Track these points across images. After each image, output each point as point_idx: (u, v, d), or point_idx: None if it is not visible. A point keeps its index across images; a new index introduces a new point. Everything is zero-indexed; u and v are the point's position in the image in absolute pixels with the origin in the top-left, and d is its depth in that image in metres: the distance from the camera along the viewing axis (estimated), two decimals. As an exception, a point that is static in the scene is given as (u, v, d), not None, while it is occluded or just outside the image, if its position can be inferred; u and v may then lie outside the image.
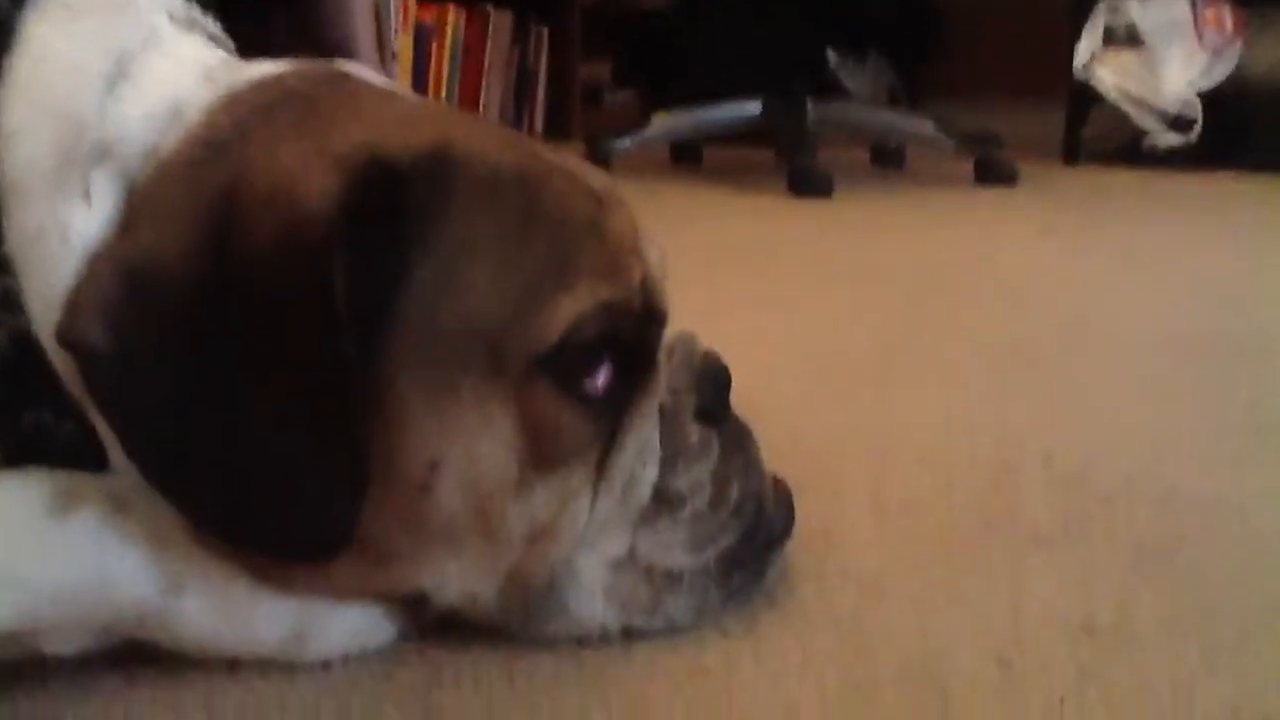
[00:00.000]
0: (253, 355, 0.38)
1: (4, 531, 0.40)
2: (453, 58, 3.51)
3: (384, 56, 2.79)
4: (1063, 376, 0.97)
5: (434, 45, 3.46)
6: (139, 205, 0.41)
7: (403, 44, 3.36)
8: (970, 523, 0.63)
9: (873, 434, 0.79)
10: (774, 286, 1.39)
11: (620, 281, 0.44)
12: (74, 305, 0.38)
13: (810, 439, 0.77)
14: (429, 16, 3.43)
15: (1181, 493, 0.68)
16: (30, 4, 0.44)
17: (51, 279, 0.41)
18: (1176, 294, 1.37)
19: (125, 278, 0.38)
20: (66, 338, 0.38)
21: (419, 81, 3.38)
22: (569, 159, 0.48)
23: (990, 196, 2.37)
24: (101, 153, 0.42)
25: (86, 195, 0.42)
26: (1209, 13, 2.94)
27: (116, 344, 0.38)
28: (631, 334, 0.45)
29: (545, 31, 3.72)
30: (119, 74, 0.44)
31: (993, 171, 2.52)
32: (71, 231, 0.41)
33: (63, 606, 0.41)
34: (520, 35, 3.67)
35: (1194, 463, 0.74)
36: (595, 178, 0.47)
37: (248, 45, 0.55)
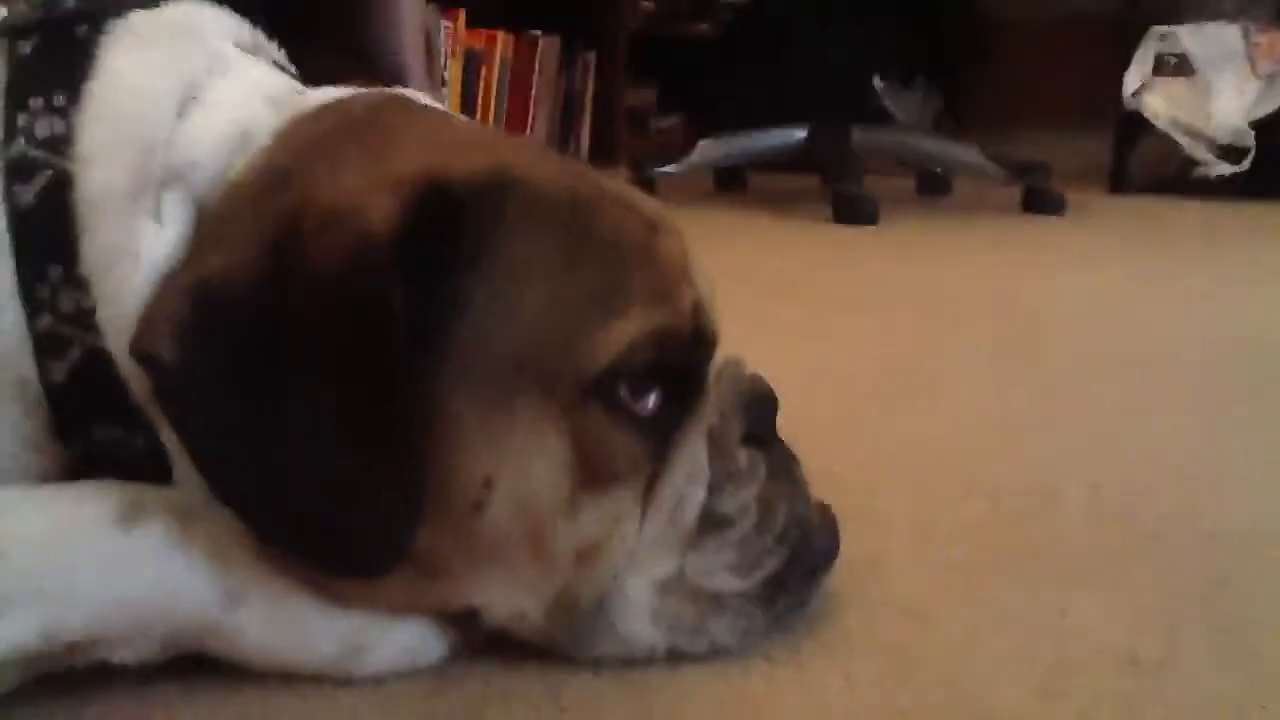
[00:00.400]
0: (313, 372, 0.39)
1: (75, 541, 0.42)
2: (501, 83, 3.55)
3: (434, 82, 2.83)
4: (1110, 405, 0.97)
5: (483, 71, 3.50)
6: (209, 228, 0.43)
7: (452, 69, 3.40)
8: (1015, 553, 0.63)
9: (917, 461, 0.79)
10: (818, 313, 1.39)
11: (672, 307, 0.45)
12: (147, 321, 0.40)
13: (855, 466, 0.77)
14: (478, 43, 3.47)
15: (1229, 526, 0.67)
16: (108, 33, 0.46)
17: (125, 297, 0.42)
18: (1225, 323, 1.36)
19: (196, 296, 0.40)
20: (139, 352, 0.39)
21: (467, 106, 3.42)
22: (622, 185, 0.49)
23: (1037, 225, 2.36)
24: (172, 176, 0.44)
25: (158, 217, 0.43)
26: (1262, 41, 2.91)
27: (186, 359, 0.39)
28: (682, 359, 0.46)
29: (592, 57, 3.75)
30: (189, 100, 0.46)
31: (1040, 200, 2.51)
32: (144, 252, 0.42)
33: (128, 616, 0.42)
34: (567, 61, 3.70)
35: (1243, 496, 0.74)
36: (648, 204, 0.48)
37: (302, 71, 0.57)
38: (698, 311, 0.46)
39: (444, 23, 3.35)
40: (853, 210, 2.27)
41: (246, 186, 0.43)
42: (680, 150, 2.73)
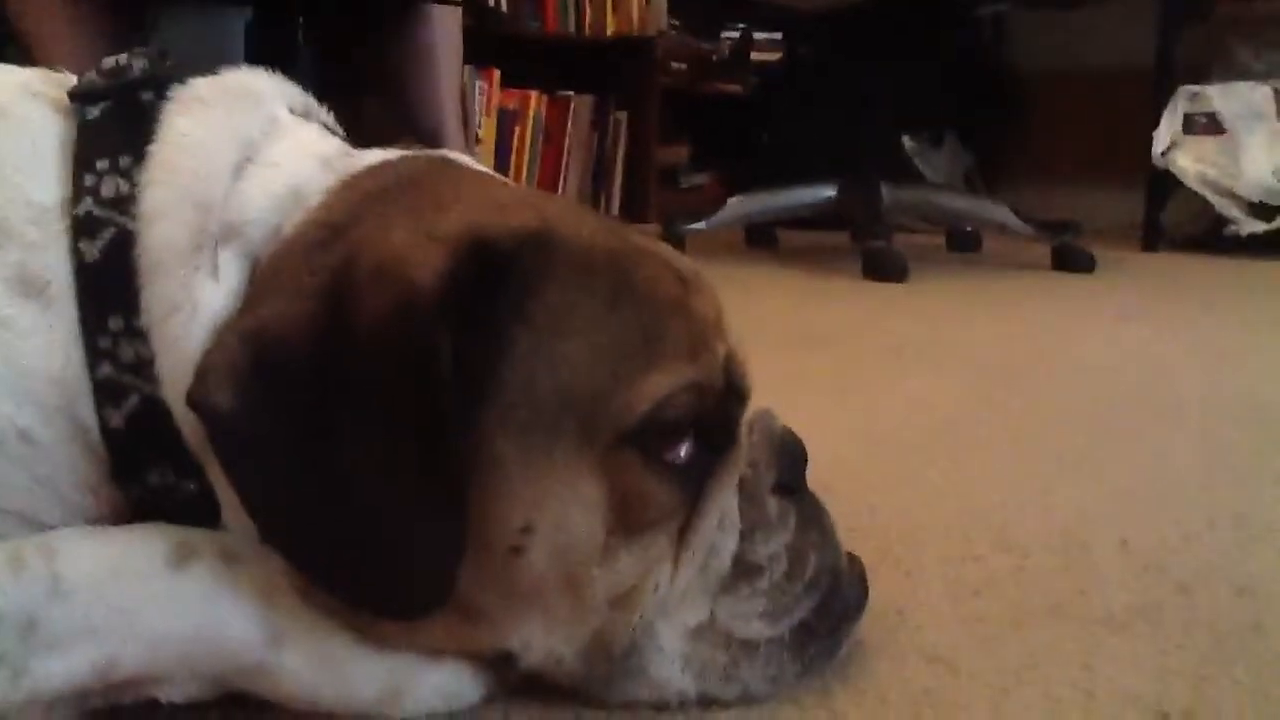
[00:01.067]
0: (363, 419, 0.41)
1: (128, 582, 0.43)
2: (534, 141, 3.61)
3: (469, 140, 2.89)
4: (1140, 459, 0.97)
5: (517, 129, 3.56)
6: (263, 281, 0.45)
7: (487, 128, 3.47)
8: (1044, 604, 0.63)
9: (947, 513, 0.80)
10: (848, 368, 1.40)
11: (705, 361, 0.46)
12: (203, 371, 0.42)
13: (884, 517, 0.78)
14: (512, 102, 3.54)
15: (1262, 580, 0.67)
16: (171, 99, 0.49)
17: (182, 348, 0.44)
18: (1257, 379, 1.36)
19: (250, 347, 0.41)
20: (196, 400, 0.41)
21: (501, 164, 3.48)
22: (657, 243, 0.51)
23: (1068, 282, 2.37)
24: (229, 233, 0.46)
25: (215, 272, 0.45)
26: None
27: (240, 407, 0.41)
28: (715, 411, 0.47)
29: (624, 116, 3.81)
30: (245, 160, 0.48)
31: (1070, 258, 2.52)
32: (201, 305, 0.44)
33: (176, 654, 0.44)
34: (599, 120, 3.77)
35: (1274, 551, 0.74)
36: (682, 261, 0.50)
37: (349, 129, 0.59)
38: (730, 365, 0.47)
39: (479, 83, 3.42)
40: (883, 266, 2.29)
41: (299, 241, 0.45)
42: (711, 207, 2.77)
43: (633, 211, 3.76)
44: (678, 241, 2.58)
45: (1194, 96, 2.98)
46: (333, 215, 0.46)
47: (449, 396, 0.41)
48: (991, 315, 1.91)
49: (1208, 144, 2.95)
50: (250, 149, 0.49)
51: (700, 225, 2.69)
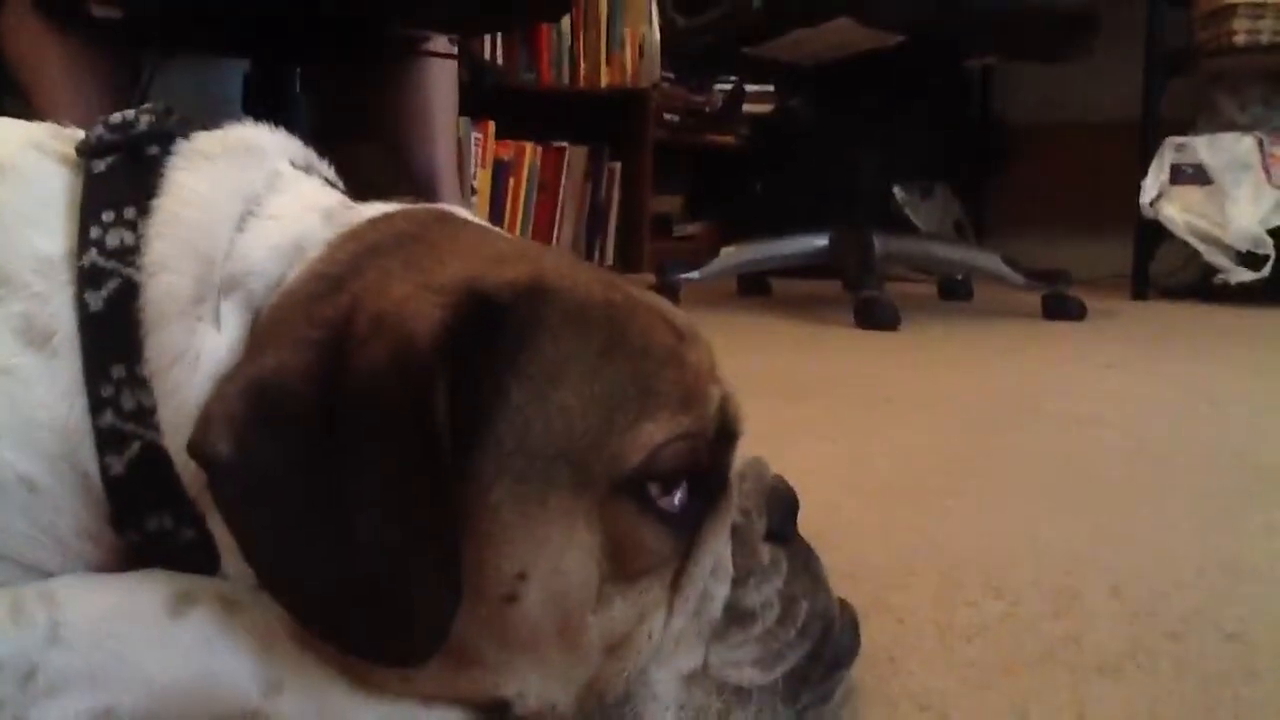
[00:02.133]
0: (361, 467, 0.41)
1: (126, 628, 0.44)
2: (529, 191, 3.64)
3: (464, 190, 2.91)
4: (1131, 505, 0.98)
5: (511, 180, 3.59)
6: (264, 331, 0.45)
7: (482, 178, 3.50)
8: (1036, 650, 0.64)
9: (937, 559, 0.80)
10: (840, 416, 1.41)
11: (698, 411, 0.47)
12: (205, 420, 0.42)
13: (875, 564, 0.78)
14: (507, 153, 3.58)
15: (1252, 626, 0.68)
16: (176, 153, 0.50)
17: (183, 397, 0.45)
18: (1248, 426, 1.37)
19: (251, 396, 0.42)
20: (197, 448, 0.42)
21: (496, 214, 3.51)
22: (650, 295, 0.52)
23: (1058, 330, 2.38)
24: (231, 284, 0.47)
25: (217, 322, 0.46)
26: (1276, 152, 2.96)
27: (240, 455, 0.41)
28: (707, 458, 0.48)
29: (618, 167, 3.85)
30: (248, 213, 0.49)
31: (1061, 307, 2.54)
32: (203, 355, 0.45)
33: (174, 700, 0.44)
34: (593, 170, 3.80)
35: (1265, 598, 0.74)
36: (675, 313, 0.51)
37: (348, 176, 0.60)
38: (723, 410, 0.48)
39: (475, 134, 3.46)
40: (875, 315, 2.30)
41: (300, 292, 0.46)
42: (704, 257, 2.79)
43: (627, 260, 3.78)
44: (671, 290, 2.60)
45: (1180, 147, 3.02)
46: (333, 267, 0.47)
47: (446, 446, 0.41)
48: (983, 364, 1.92)
49: (1195, 194, 2.98)
50: (253, 202, 0.50)
51: (694, 274, 2.71)
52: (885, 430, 1.32)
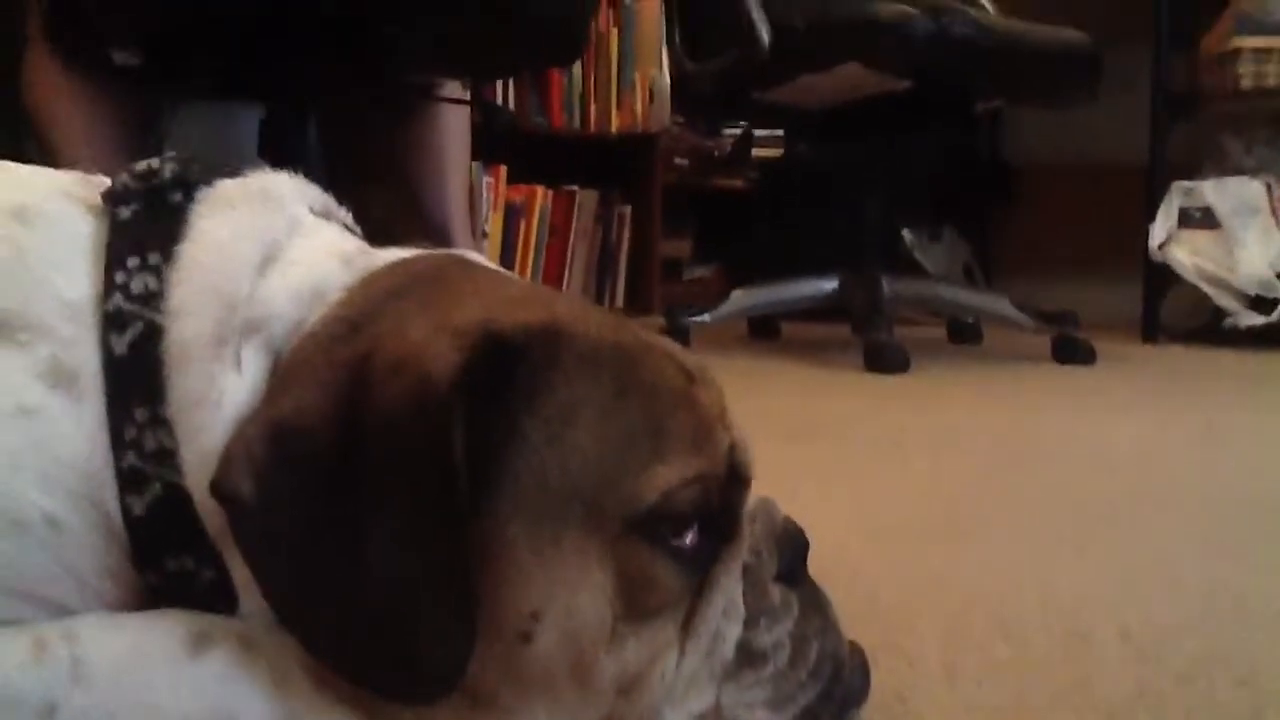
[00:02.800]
0: (380, 508, 0.42)
1: (146, 667, 0.45)
2: (540, 235, 3.67)
3: (475, 234, 2.94)
4: (1141, 546, 0.98)
5: (522, 223, 3.62)
6: (285, 374, 0.46)
7: (493, 222, 3.53)
8: (1046, 693, 0.64)
9: (946, 601, 0.80)
10: (849, 458, 1.41)
11: (709, 452, 0.48)
12: (226, 460, 0.43)
13: (884, 605, 0.79)
14: (518, 197, 3.61)
15: (1263, 669, 0.68)
16: (199, 200, 0.51)
17: (205, 438, 0.46)
18: (1258, 468, 1.37)
19: (271, 436, 0.43)
20: (219, 488, 0.43)
21: (507, 257, 3.53)
22: (660, 338, 0.53)
23: (1068, 374, 2.39)
24: (252, 328, 0.48)
25: (239, 365, 0.47)
26: (1269, 199, 2.98)
27: (260, 495, 0.42)
28: (719, 500, 0.49)
29: (628, 210, 3.87)
30: (269, 259, 0.51)
31: (1071, 350, 2.54)
32: (225, 397, 0.46)
33: (192, 740, 0.45)
34: (604, 214, 3.83)
35: (1276, 638, 0.74)
36: (685, 355, 0.51)
37: (364, 221, 0.62)
38: (734, 453, 0.49)
39: (486, 178, 3.49)
40: (884, 358, 2.31)
41: (320, 336, 0.47)
42: (714, 300, 2.80)
43: (636, 303, 3.80)
44: (681, 333, 2.61)
45: (1188, 191, 3.04)
46: (352, 311, 0.48)
47: (463, 485, 0.42)
48: (992, 406, 1.92)
49: (1203, 238, 2.99)
50: (274, 248, 0.51)
51: (704, 317, 2.72)
52: (894, 472, 1.33)
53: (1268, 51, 3.01)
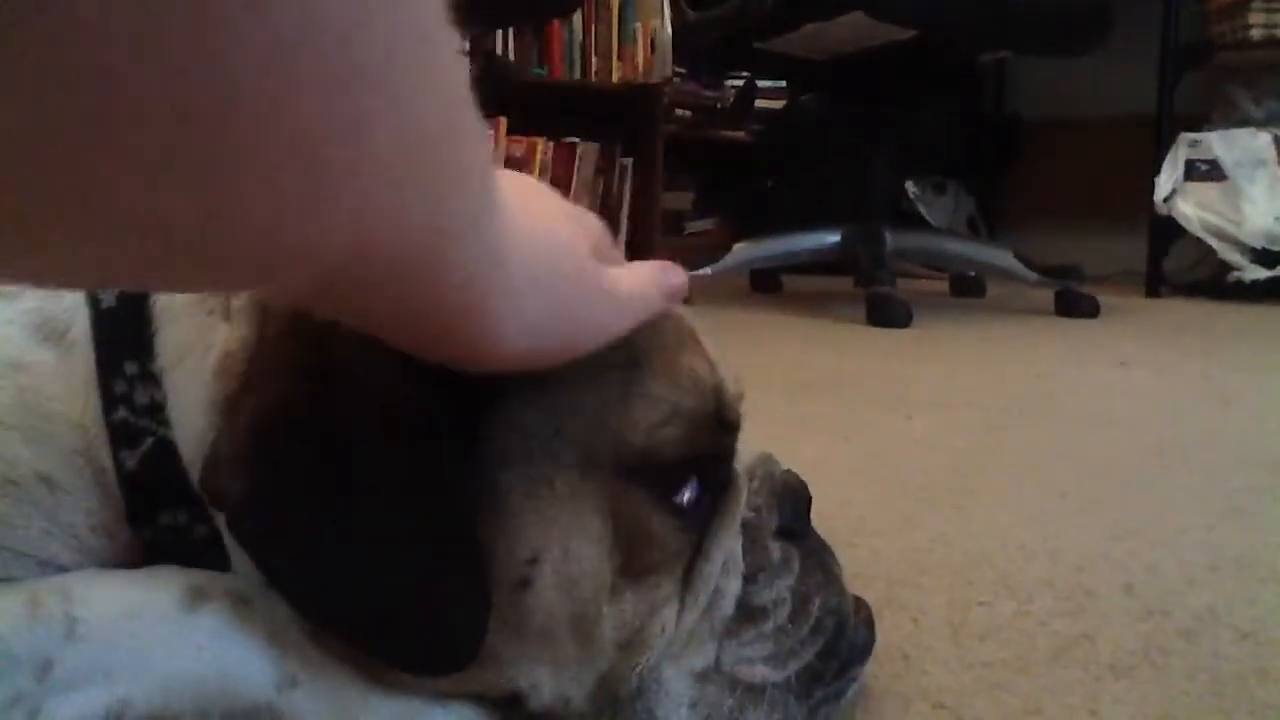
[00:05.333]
0: (370, 487, 0.41)
1: (141, 623, 0.44)
2: (539, 187, 3.63)
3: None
4: (1144, 502, 0.97)
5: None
6: (263, 359, 0.45)
7: (493, 174, 3.49)
8: (1049, 648, 0.64)
9: (951, 557, 0.80)
10: (852, 413, 1.40)
11: (693, 390, 0.47)
12: (212, 460, 0.43)
13: (888, 561, 0.78)
14: (518, 149, 3.58)
15: (1266, 624, 0.68)
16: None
17: (195, 391, 0.45)
18: (1261, 423, 1.36)
19: (255, 430, 0.42)
20: (210, 488, 0.42)
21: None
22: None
23: (1071, 327, 2.38)
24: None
25: (227, 315, 0.46)
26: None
27: (253, 491, 0.42)
28: (709, 442, 0.48)
29: (629, 163, 3.84)
30: None
31: (1074, 304, 2.53)
32: (214, 347, 0.45)
33: (189, 695, 0.44)
34: (605, 166, 3.79)
35: (1279, 593, 0.74)
36: (685, 317, 0.50)
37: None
38: (719, 395, 0.48)
39: (486, 130, 3.45)
40: (887, 312, 2.30)
41: (292, 314, 0.46)
42: (716, 253, 2.79)
43: (638, 257, 3.77)
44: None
45: (1195, 144, 3.01)
46: None
47: (445, 444, 0.42)
48: (995, 360, 1.92)
49: (1209, 190, 2.97)
50: None
51: (706, 271, 2.71)
52: (898, 427, 1.32)
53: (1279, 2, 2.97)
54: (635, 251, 3.82)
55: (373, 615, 0.42)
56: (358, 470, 0.42)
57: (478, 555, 0.43)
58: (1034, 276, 2.64)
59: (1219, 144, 2.98)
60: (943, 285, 3.09)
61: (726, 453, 0.50)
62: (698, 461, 0.48)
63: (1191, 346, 2.15)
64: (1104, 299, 2.56)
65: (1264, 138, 2.97)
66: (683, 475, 0.47)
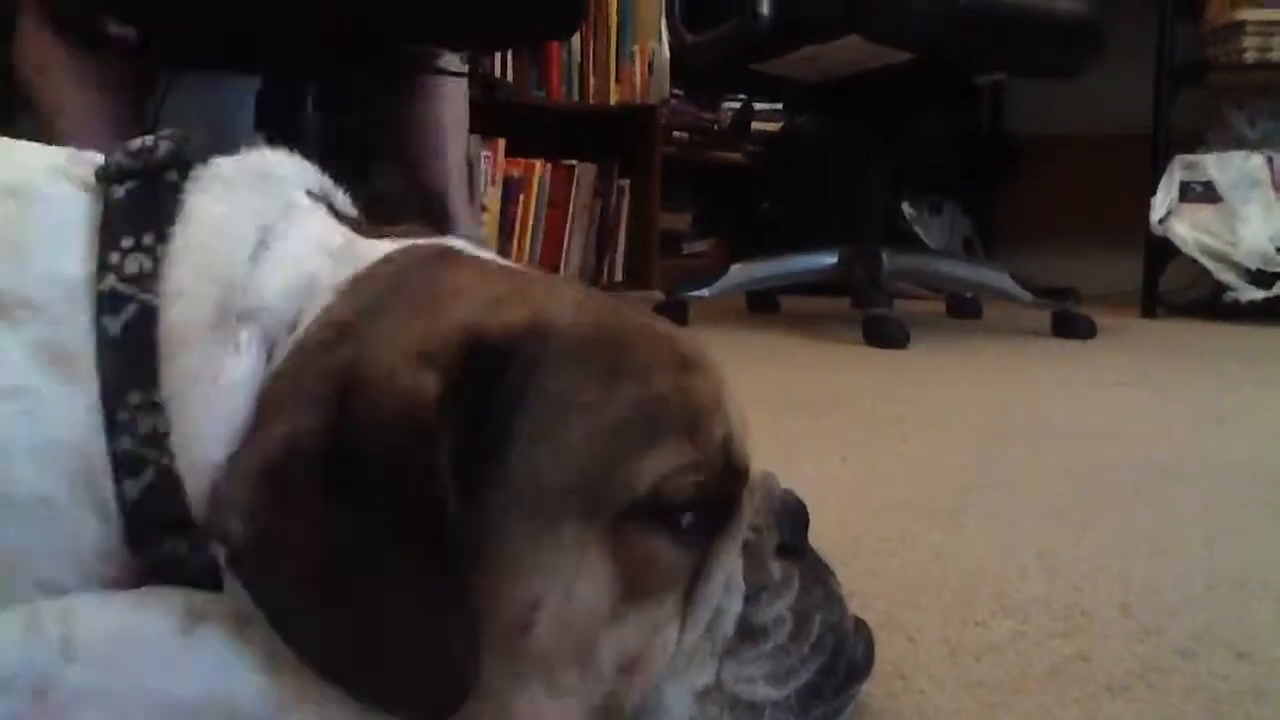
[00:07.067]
0: (371, 536, 0.42)
1: (138, 646, 0.44)
2: (538, 209, 3.65)
3: (474, 209, 2.92)
4: (1140, 521, 0.97)
5: (521, 197, 3.61)
6: (274, 391, 0.46)
7: (492, 196, 3.51)
8: (1045, 668, 0.64)
9: (948, 576, 0.80)
10: (849, 433, 1.41)
11: (702, 441, 0.47)
12: (215, 499, 0.43)
13: (885, 581, 0.78)
14: (517, 170, 3.59)
15: (1262, 644, 0.68)
16: (195, 178, 0.51)
17: (201, 420, 0.45)
18: (1257, 443, 1.37)
19: (260, 473, 0.43)
20: (214, 531, 0.43)
21: (506, 231, 3.52)
22: (657, 321, 0.52)
23: (1068, 348, 2.38)
24: (248, 317, 0.47)
25: (236, 348, 0.47)
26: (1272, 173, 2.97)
27: (256, 535, 0.42)
28: (715, 487, 0.48)
29: (627, 184, 3.86)
30: (262, 245, 0.50)
31: (1070, 324, 2.54)
32: (223, 375, 0.46)
33: (185, 718, 0.44)
34: (603, 188, 3.81)
35: (1276, 613, 0.74)
36: (682, 339, 0.51)
37: (364, 193, 0.61)
38: (729, 444, 0.48)
39: (485, 151, 3.47)
40: (883, 333, 2.31)
41: (307, 348, 0.46)
42: (714, 274, 2.79)
43: (636, 277, 3.79)
44: (680, 308, 2.61)
45: (1190, 165, 3.03)
46: (339, 317, 0.47)
47: (452, 499, 0.42)
48: (992, 381, 1.92)
49: (1204, 212, 2.98)
50: (267, 233, 0.50)
51: (703, 292, 2.71)
52: (895, 447, 1.32)
53: (1272, 24, 2.99)
54: (633, 272, 3.84)
55: (364, 663, 0.43)
56: (360, 519, 0.42)
57: (476, 610, 0.43)
58: (1029, 297, 2.65)
59: (1214, 166, 2.99)
60: (939, 306, 3.10)
61: (734, 494, 0.50)
62: (703, 499, 0.48)
63: (1187, 366, 2.16)
64: (1100, 319, 2.56)
65: (1258, 159, 2.98)
66: (685, 508, 0.48)
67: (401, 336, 0.45)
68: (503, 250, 3.08)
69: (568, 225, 3.72)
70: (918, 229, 3.81)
